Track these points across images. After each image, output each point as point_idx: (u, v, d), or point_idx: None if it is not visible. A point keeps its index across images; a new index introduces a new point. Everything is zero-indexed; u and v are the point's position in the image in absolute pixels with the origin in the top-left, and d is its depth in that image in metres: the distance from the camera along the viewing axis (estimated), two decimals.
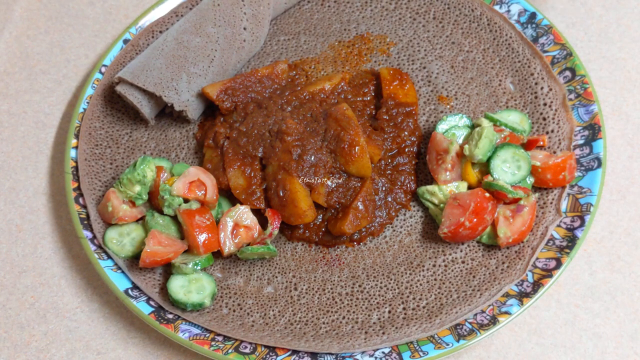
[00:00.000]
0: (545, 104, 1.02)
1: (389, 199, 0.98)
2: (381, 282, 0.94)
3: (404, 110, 1.02)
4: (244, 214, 0.94)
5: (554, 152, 0.99)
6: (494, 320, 0.88)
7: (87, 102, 1.09)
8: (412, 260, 0.95)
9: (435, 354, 0.86)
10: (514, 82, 1.06)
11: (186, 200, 0.94)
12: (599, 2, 1.18)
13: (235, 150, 0.99)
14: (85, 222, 0.99)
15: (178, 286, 0.92)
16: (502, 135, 0.96)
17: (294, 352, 0.90)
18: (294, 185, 0.94)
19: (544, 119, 1.02)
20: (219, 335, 0.92)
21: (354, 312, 0.93)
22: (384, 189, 0.98)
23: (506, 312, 0.89)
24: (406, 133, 1.01)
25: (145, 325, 0.98)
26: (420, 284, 0.94)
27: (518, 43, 1.07)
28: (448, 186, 0.95)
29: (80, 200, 1.01)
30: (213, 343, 0.90)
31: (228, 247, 0.93)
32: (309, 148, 0.96)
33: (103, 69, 1.11)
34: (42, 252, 1.04)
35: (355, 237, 0.97)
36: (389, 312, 0.92)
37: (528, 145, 0.97)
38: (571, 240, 0.93)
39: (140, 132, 1.08)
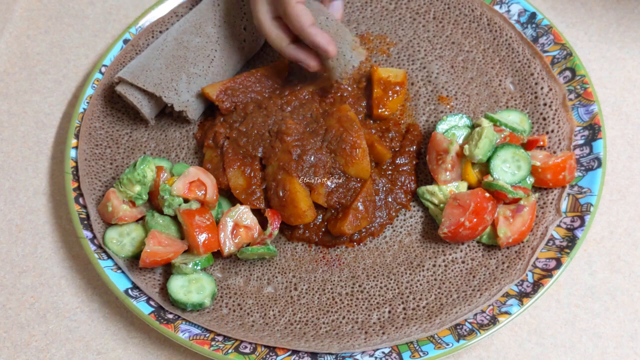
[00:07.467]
0: (545, 104, 1.02)
1: (389, 199, 0.98)
2: (381, 282, 0.94)
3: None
4: (244, 214, 0.94)
5: (554, 152, 0.99)
6: (494, 320, 0.88)
7: (87, 102, 1.09)
8: (412, 260, 0.95)
9: (435, 354, 0.86)
10: (514, 82, 1.06)
11: (186, 200, 0.94)
12: (599, 2, 1.18)
13: (235, 150, 0.99)
14: (85, 222, 0.99)
15: (178, 286, 0.92)
16: (502, 135, 0.96)
17: (294, 352, 0.90)
18: (294, 185, 0.94)
19: (544, 119, 1.02)
20: (219, 335, 0.92)
21: (354, 312, 0.93)
22: (384, 189, 0.98)
23: (506, 312, 0.89)
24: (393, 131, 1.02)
25: (145, 325, 0.98)
26: (420, 284, 0.93)
27: (518, 43, 1.07)
28: (448, 186, 0.95)
29: (80, 200, 1.01)
30: (213, 343, 0.90)
31: (228, 247, 0.93)
32: (308, 148, 0.96)
33: (103, 69, 1.11)
34: (42, 252, 1.04)
35: (355, 237, 0.97)
36: (389, 312, 0.92)
37: (528, 145, 0.97)
38: (571, 240, 0.92)
39: (140, 132, 1.08)
